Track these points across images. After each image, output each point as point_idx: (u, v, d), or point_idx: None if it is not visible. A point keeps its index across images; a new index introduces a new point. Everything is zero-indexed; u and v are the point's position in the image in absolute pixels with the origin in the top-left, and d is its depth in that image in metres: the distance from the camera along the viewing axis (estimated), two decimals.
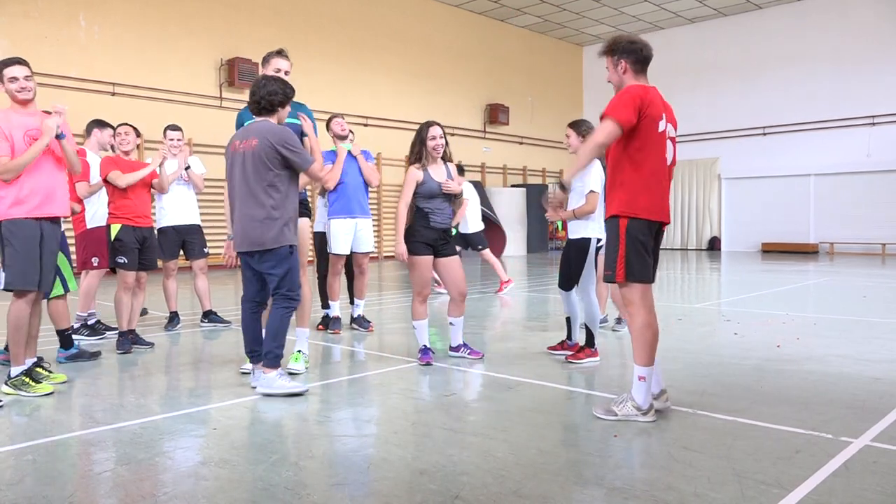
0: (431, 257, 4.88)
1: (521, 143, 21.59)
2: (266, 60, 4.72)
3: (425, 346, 4.99)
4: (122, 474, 2.87)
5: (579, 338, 5.32)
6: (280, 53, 4.71)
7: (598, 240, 4.99)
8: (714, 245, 21.06)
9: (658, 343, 3.57)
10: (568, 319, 5.35)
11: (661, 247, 3.83)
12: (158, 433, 3.43)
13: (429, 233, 4.85)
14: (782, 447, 3.11)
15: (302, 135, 4.55)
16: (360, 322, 6.55)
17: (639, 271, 3.49)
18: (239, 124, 4.63)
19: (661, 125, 3.51)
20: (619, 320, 6.44)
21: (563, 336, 5.48)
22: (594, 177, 4.99)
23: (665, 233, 3.74)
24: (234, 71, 14.48)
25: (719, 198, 21.15)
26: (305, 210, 4.85)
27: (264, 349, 4.14)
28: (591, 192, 4.97)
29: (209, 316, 6.73)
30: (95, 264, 5.93)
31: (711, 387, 4.25)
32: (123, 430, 3.47)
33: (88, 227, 5.95)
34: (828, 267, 14.33)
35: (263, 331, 4.26)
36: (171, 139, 6.49)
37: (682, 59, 21.30)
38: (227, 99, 14.74)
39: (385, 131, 17.48)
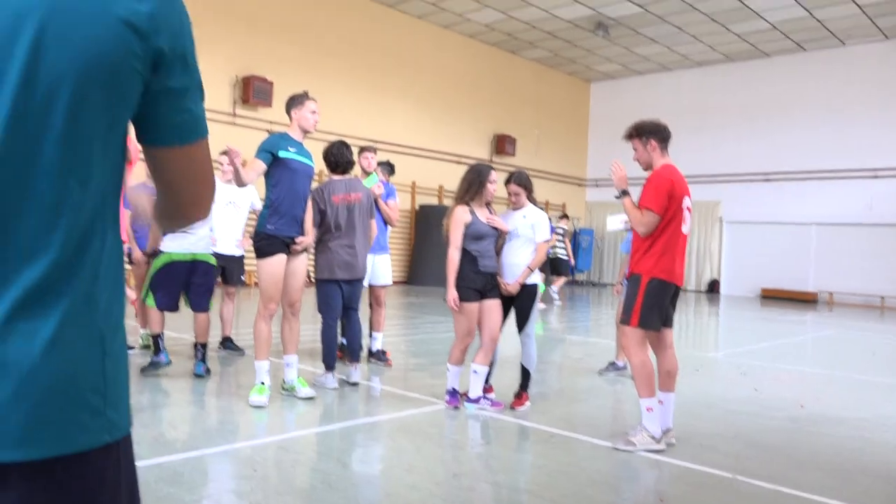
0: (479, 304, 4.81)
1: None
2: (299, 102, 4.81)
3: (454, 388, 4.95)
4: None
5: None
6: (308, 96, 4.84)
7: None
8: (713, 288, 21.15)
9: (654, 379, 4.10)
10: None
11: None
12: (199, 472, 3.39)
13: (478, 278, 4.76)
14: None
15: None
16: (378, 356, 6.52)
17: (648, 321, 4.09)
18: (269, 146, 4.68)
19: (686, 201, 4.15)
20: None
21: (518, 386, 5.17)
22: (545, 228, 5.08)
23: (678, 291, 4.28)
24: (250, 89, 14.53)
25: (720, 241, 21.30)
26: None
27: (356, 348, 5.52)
28: (545, 241, 5.03)
29: (226, 343, 6.68)
30: None
31: (745, 449, 4.25)
32: (163, 467, 3.43)
33: None
34: (828, 317, 14.43)
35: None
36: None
37: (688, 101, 21.56)
38: (240, 116, 14.78)
39: (392, 156, 17.52)
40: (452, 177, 19.88)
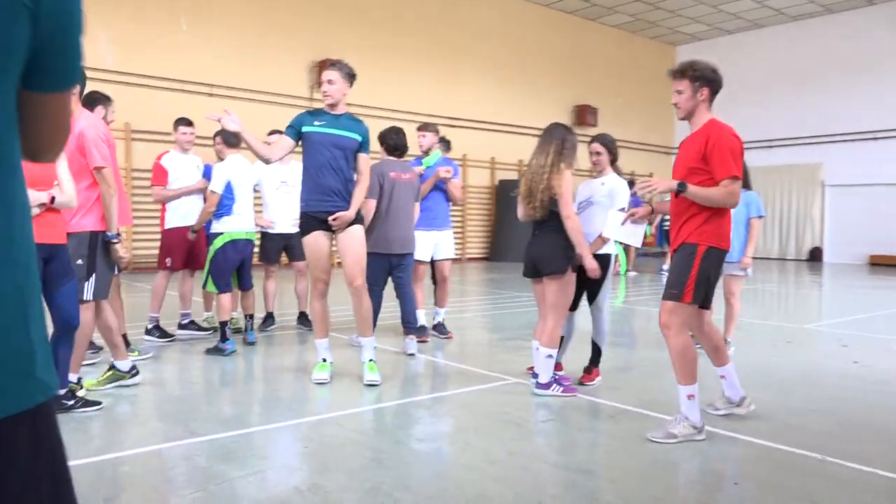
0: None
1: None
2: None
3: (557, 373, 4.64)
4: (215, 495, 2.80)
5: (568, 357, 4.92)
6: (332, 65, 4.65)
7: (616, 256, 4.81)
8: (815, 256, 19.86)
9: (696, 364, 3.64)
10: (561, 339, 4.72)
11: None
12: (251, 448, 3.36)
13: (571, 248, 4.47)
14: None
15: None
16: (439, 329, 6.46)
17: (703, 296, 3.63)
18: (294, 121, 4.66)
19: None
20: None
21: (588, 361, 4.89)
22: (624, 196, 4.75)
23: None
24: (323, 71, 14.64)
25: (822, 205, 19.94)
26: (360, 218, 4.88)
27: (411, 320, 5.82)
28: (622, 210, 4.65)
29: (302, 318, 6.74)
30: (168, 265, 6.06)
31: (837, 427, 3.85)
32: (216, 443, 3.43)
33: (167, 227, 6.13)
34: None
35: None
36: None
37: (783, 59, 20.22)
38: (316, 100, 14.91)
39: (471, 132, 17.33)
40: (532, 151, 19.53)
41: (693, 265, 3.54)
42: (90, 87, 4.80)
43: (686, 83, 3.61)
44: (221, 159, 6.53)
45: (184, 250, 6.09)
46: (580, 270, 4.58)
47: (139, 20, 12.90)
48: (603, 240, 4.68)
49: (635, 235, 4.58)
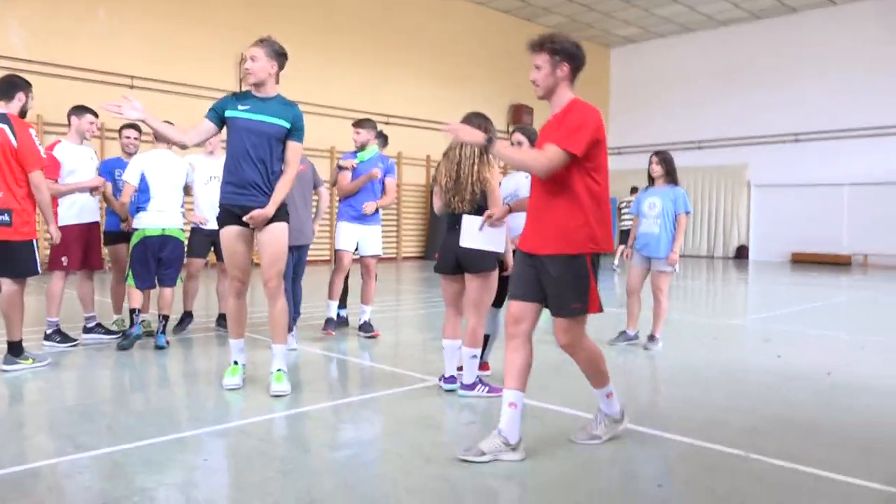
0: None
1: None
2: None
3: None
4: None
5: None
6: (259, 42, 4.22)
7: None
8: (741, 254, 20.44)
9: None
10: (486, 337, 4.71)
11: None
12: (143, 463, 3.06)
13: None
14: None
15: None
16: (364, 328, 6.25)
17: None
18: (217, 104, 4.27)
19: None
20: (650, 337, 6.00)
21: (492, 351, 4.91)
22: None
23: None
24: None
25: (748, 205, 20.52)
26: (285, 213, 4.40)
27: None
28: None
29: (221, 320, 6.39)
30: (64, 264, 5.58)
31: (761, 423, 3.80)
32: (104, 459, 3.11)
33: (60, 224, 5.42)
34: (863, 280, 13.73)
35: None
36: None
37: (712, 62, 20.75)
38: None
39: (406, 130, 17.11)
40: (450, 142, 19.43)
41: (590, 272, 3.15)
42: None
43: (544, 57, 3.15)
44: (129, 154, 6.16)
45: (79, 249, 5.63)
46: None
47: (55, 6, 12.20)
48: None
49: (497, 241, 4.13)
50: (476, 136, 3.18)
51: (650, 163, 6.13)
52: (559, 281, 3.13)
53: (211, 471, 3.02)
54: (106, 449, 3.22)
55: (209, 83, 13.89)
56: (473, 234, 4.10)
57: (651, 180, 6.15)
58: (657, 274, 6.02)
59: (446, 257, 4.30)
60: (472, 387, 4.28)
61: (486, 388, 4.28)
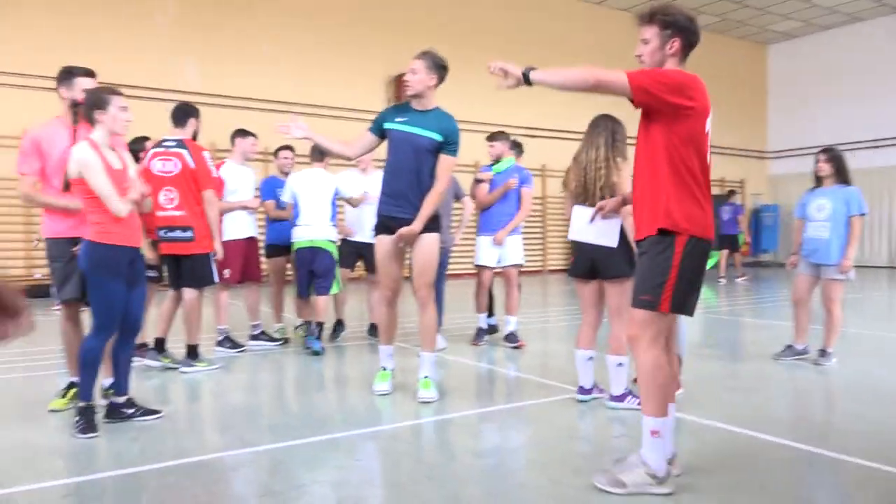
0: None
1: None
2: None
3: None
4: None
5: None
6: (420, 54, 4.28)
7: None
8: None
9: (671, 388, 2.85)
10: None
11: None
12: (300, 460, 3.21)
13: None
14: None
15: None
16: (510, 338, 6.23)
17: (684, 302, 2.82)
18: (378, 117, 4.44)
19: (708, 125, 2.82)
20: (822, 352, 5.49)
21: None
22: None
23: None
24: (401, 86, 14.71)
25: None
26: (436, 225, 4.45)
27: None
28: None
29: (372, 329, 6.64)
30: (226, 277, 5.97)
31: None
32: (263, 455, 3.30)
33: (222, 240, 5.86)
34: None
35: None
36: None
37: (886, 52, 18.84)
38: None
39: (551, 142, 16.98)
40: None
41: (673, 261, 2.75)
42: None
43: (654, 30, 2.84)
44: (285, 173, 6.59)
45: (239, 262, 6.06)
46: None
47: (226, 45, 13.41)
48: None
49: (609, 234, 3.91)
50: (513, 69, 2.81)
51: (816, 161, 5.63)
52: (639, 266, 2.90)
53: (361, 471, 3.11)
54: (267, 446, 3.42)
55: (358, 105, 14.58)
56: (583, 226, 3.94)
57: (818, 181, 5.64)
58: (828, 283, 5.49)
59: (580, 261, 4.14)
60: (621, 398, 4.12)
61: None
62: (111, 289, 3.62)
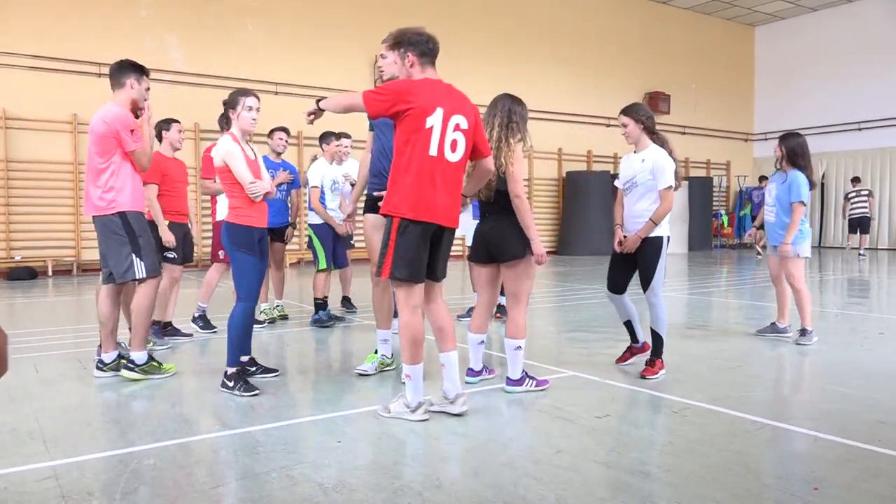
0: None
1: (684, 133, 20.09)
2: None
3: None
4: (235, 491, 2.63)
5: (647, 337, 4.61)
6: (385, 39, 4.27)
7: (669, 238, 4.49)
8: None
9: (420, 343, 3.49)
10: (628, 323, 4.65)
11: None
12: (281, 442, 3.19)
13: None
14: None
15: None
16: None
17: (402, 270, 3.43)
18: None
19: (431, 120, 3.37)
20: (802, 331, 5.53)
21: (627, 342, 4.77)
22: (669, 173, 4.34)
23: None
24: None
25: None
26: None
27: None
28: (667, 188, 4.34)
29: (344, 301, 7.20)
30: (221, 257, 6.01)
31: None
32: (246, 437, 3.28)
33: (219, 220, 6.11)
34: None
35: None
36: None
37: (873, 35, 18.85)
38: None
39: (537, 123, 16.89)
40: (602, 140, 18.96)
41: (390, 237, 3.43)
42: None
43: (394, 53, 3.61)
44: (278, 154, 6.58)
45: None
46: (630, 254, 4.44)
47: (208, 22, 13.19)
48: (653, 222, 4.34)
49: (465, 225, 4.46)
50: (310, 108, 3.63)
51: None
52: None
53: (343, 452, 3.09)
54: (248, 428, 3.39)
55: (345, 85, 14.43)
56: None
57: (777, 165, 5.85)
58: (784, 262, 5.60)
59: (477, 245, 4.17)
60: (519, 382, 4.08)
61: (534, 382, 4.10)
62: (248, 262, 4.10)
